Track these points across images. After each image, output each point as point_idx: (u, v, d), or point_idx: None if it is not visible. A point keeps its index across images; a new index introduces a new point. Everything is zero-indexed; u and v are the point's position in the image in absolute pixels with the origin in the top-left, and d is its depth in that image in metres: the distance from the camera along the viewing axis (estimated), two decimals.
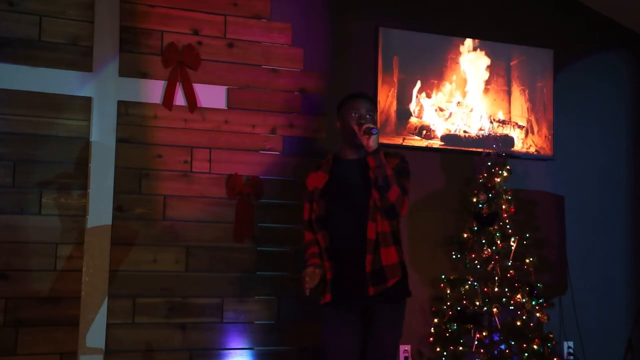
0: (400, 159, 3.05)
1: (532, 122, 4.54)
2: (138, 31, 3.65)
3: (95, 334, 3.42)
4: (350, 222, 2.95)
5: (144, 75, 3.65)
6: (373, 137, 2.84)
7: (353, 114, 3.01)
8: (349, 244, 2.94)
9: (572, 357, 4.44)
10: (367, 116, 3.01)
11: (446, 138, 4.31)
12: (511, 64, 4.53)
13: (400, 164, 3.03)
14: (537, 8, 4.68)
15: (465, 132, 4.37)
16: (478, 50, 4.44)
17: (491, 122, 4.44)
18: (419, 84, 4.26)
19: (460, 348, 3.89)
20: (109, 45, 3.57)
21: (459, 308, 3.92)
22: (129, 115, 3.61)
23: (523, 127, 4.51)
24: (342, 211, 2.97)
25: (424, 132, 4.26)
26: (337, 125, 3.13)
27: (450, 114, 4.34)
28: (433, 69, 4.32)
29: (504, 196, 4.06)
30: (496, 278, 3.93)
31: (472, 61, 4.43)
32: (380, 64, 4.17)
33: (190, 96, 3.70)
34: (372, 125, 2.88)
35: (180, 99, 3.70)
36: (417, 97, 4.24)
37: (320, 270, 2.95)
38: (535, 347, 3.86)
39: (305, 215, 3.14)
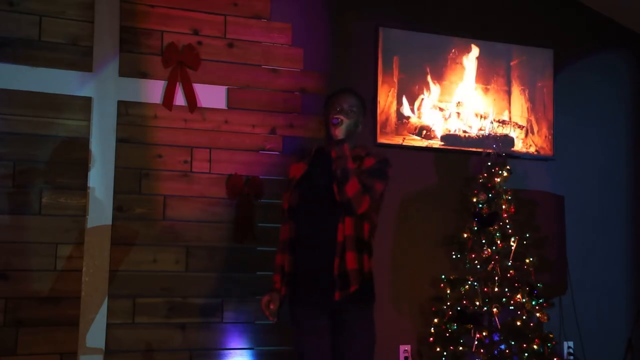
0: (379, 160, 2.94)
1: (532, 122, 4.54)
2: (138, 31, 3.65)
3: (95, 334, 3.42)
4: (319, 218, 2.86)
5: (144, 75, 3.65)
6: (340, 128, 2.80)
7: (333, 108, 2.93)
8: (315, 242, 2.83)
9: (572, 357, 4.44)
10: (350, 111, 2.92)
11: (446, 138, 4.31)
12: (511, 64, 4.53)
13: (377, 164, 2.91)
14: (537, 8, 4.68)
15: (465, 132, 4.37)
16: (477, 50, 4.44)
17: (491, 122, 4.44)
18: (421, 87, 4.27)
19: (460, 348, 3.88)
20: (109, 45, 3.57)
21: (459, 308, 3.92)
22: (129, 115, 3.61)
23: (523, 127, 4.52)
24: (313, 205, 2.86)
25: (424, 132, 4.26)
26: (323, 121, 3.04)
27: (450, 114, 4.34)
28: (433, 69, 4.32)
29: (504, 196, 4.06)
30: (496, 278, 3.93)
31: (472, 61, 4.43)
32: (380, 64, 4.17)
33: (190, 96, 3.70)
34: (336, 116, 2.85)
35: (180, 99, 3.70)
36: (417, 97, 4.25)
37: (277, 295, 2.91)
38: (535, 347, 3.86)
39: (284, 204, 3.00)
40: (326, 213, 2.85)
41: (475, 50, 4.44)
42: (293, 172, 3.03)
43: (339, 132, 2.82)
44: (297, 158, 3.12)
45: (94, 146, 3.51)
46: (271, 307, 2.89)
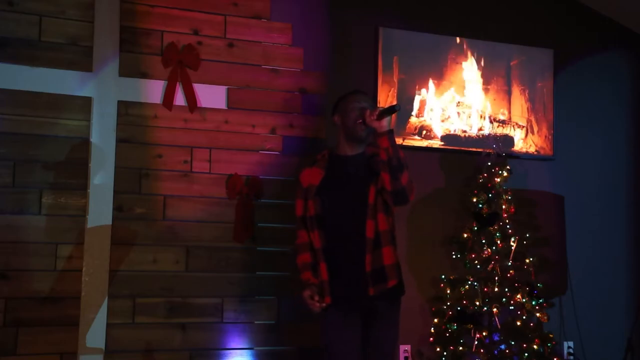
0: None
1: (532, 122, 4.54)
2: (138, 31, 3.65)
3: (95, 334, 3.42)
4: (348, 221, 2.91)
5: (144, 75, 3.65)
6: (387, 118, 2.83)
7: (355, 105, 2.97)
8: (347, 243, 2.90)
9: (572, 357, 4.44)
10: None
11: (446, 138, 4.31)
12: (511, 64, 4.53)
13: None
14: (537, 8, 4.68)
15: (465, 132, 4.37)
16: (478, 50, 4.45)
17: (491, 122, 4.45)
18: (423, 91, 4.27)
19: (460, 348, 3.89)
20: (109, 45, 3.57)
21: (459, 308, 3.92)
22: (129, 115, 3.61)
23: (523, 127, 4.52)
24: (340, 209, 2.93)
25: (424, 132, 4.26)
26: (335, 120, 3.06)
27: (450, 114, 4.35)
28: (433, 69, 4.32)
29: (504, 196, 4.06)
30: (496, 278, 3.93)
31: (472, 61, 4.43)
32: (380, 64, 4.17)
33: (190, 96, 3.69)
34: (386, 107, 2.90)
35: (180, 99, 3.69)
36: (417, 97, 4.25)
37: (316, 287, 2.94)
38: (535, 347, 3.87)
39: (298, 211, 3.06)
40: (355, 214, 2.89)
41: (475, 50, 4.44)
42: (308, 179, 3.04)
43: (386, 123, 2.84)
44: (309, 164, 3.11)
45: (94, 146, 3.51)
46: (315, 297, 2.90)
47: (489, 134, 4.40)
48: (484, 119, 4.43)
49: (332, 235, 2.93)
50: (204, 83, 3.74)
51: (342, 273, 2.91)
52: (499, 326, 3.88)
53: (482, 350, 3.83)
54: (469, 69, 4.42)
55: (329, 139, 3.84)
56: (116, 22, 3.59)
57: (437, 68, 4.33)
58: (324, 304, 2.90)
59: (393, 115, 2.89)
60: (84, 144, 3.51)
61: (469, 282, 3.95)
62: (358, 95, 3.04)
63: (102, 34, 3.56)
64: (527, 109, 4.54)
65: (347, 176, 2.98)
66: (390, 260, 2.91)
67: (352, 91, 3.10)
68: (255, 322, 3.72)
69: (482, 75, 4.45)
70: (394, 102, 4.18)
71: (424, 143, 4.25)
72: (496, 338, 3.85)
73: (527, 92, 4.55)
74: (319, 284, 2.95)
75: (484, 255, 3.97)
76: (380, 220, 2.90)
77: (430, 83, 4.31)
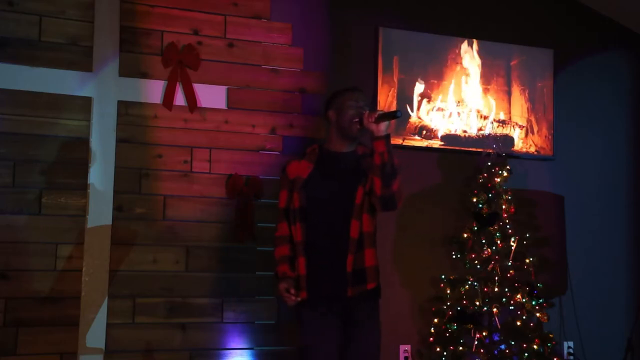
0: None
1: (532, 122, 4.54)
2: (138, 31, 3.65)
3: (95, 334, 3.42)
4: (333, 218, 2.88)
5: (144, 75, 3.65)
6: (385, 122, 2.78)
7: (352, 103, 2.96)
8: (330, 241, 2.87)
9: (572, 357, 4.44)
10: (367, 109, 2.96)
11: (446, 138, 4.31)
12: (511, 64, 4.53)
13: None
14: (537, 8, 4.68)
15: (465, 132, 4.37)
16: (478, 50, 4.45)
17: (491, 122, 4.45)
18: (421, 87, 4.26)
19: (460, 348, 3.88)
20: (109, 45, 3.58)
21: (459, 308, 3.92)
22: (129, 115, 3.61)
23: (523, 127, 4.52)
24: (326, 205, 2.90)
25: (424, 132, 4.26)
26: (329, 115, 3.04)
27: (450, 114, 4.35)
28: (433, 69, 4.32)
29: (504, 196, 4.06)
30: (496, 278, 3.93)
31: (472, 61, 4.43)
32: (380, 64, 4.17)
33: (190, 96, 3.70)
34: (386, 111, 2.87)
35: (180, 99, 3.70)
36: (417, 98, 4.25)
37: (292, 280, 2.91)
38: (535, 347, 3.87)
39: (281, 203, 3.04)
40: (341, 212, 2.87)
41: (475, 51, 4.44)
42: (296, 171, 3.02)
43: (384, 127, 2.80)
44: (297, 157, 3.12)
45: (94, 146, 3.51)
46: (291, 291, 2.87)
47: (489, 134, 4.40)
48: (484, 119, 4.43)
49: (315, 230, 2.90)
50: (204, 83, 3.74)
51: (321, 270, 2.88)
52: (499, 326, 3.87)
53: (482, 350, 3.83)
54: (469, 69, 4.42)
55: None
56: (116, 22, 3.60)
57: (437, 68, 4.33)
58: (299, 298, 2.87)
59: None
60: (84, 144, 3.51)
61: (469, 282, 3.95)
62: (356, 94, 3.02)
63: (102, 34, 3.56)
64: (527, 109, 4.54)
65: (336, 173, 2.96)
66: (371, 263, 2.88)
67: (349, 88, 3.07)
68: (255, 322, 3.72)
69: (482, 75, 4.45)
70: (394, 102, 4.17)
71: (424, 143, 4.25)
72: (496, 338, 3.85)
73: (527, 92, 4.55)
74: (295, 278, 2.92)
75: (484, 255, 3.96)
76: (365, 221, 2.87)
77: (431, 83, 4.30)
